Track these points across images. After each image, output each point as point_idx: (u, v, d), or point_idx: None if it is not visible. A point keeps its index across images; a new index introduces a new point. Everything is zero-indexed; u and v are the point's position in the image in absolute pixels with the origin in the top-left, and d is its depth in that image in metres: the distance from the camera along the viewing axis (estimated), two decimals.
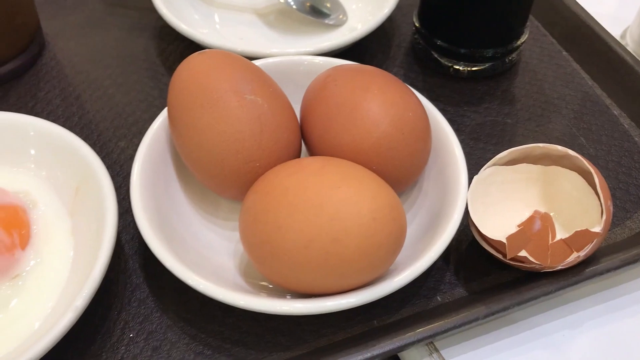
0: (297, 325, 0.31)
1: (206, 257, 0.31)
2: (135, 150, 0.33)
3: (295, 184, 0.27)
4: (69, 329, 0.27)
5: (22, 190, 0.33)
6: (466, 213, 0.31)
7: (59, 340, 0.27)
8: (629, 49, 0.44)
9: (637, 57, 0.41)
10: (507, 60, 0.42)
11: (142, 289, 0.32)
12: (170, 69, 0.43)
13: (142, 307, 0.31)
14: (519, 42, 0.41)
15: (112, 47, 0.44)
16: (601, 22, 0.43)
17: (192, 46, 0.43)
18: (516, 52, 0.42)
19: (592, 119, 0.40)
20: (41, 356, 0.26)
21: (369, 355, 0.29)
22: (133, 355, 0.30)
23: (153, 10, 0.44)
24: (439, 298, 0.32)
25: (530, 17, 0.42)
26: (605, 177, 0.35)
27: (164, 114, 0.34)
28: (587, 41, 0.43)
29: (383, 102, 0.31)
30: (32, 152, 0.33)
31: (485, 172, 0.32)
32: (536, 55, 0.44)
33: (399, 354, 0.31)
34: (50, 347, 0.26)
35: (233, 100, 0.30)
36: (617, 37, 0.44)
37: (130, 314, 0.31)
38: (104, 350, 0.30)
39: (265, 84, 0.32)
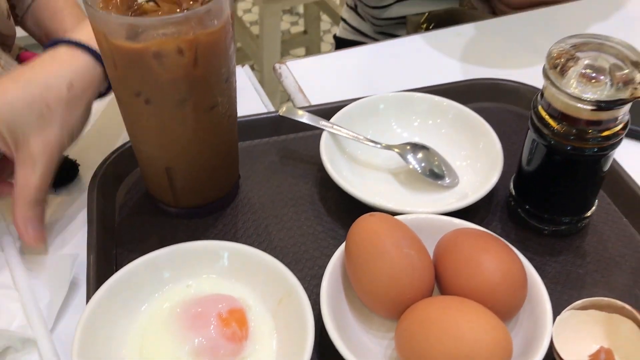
0: None
1: (365, 355, 0.46)
2: (306, 274, 0.51)
3: (443, 316, 0.42)
4: None
5: (240, 297, 0.49)
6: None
7: None
8: None
9: None
10: (579, 225, 0.56)
11: None
12: (329, 210, 0.59)
13: None
14: (589, 213, 0.56)
15: (286, 191, 0.61)
16: None
17: (344, 195, 0.59)
18: (587, 219, 0.56)
19: None
20: None
21: None
22: None
23: (314, 164, 0.61)
24: None
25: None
26: None
27: (339, 251, 0.50)
28: None
29: (497, 260, 0.46)
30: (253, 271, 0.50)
31: (565, 314, 0.46)
32: (602, 220, 0.58)
33: None
34: None
35: (395, 253, 0.46)
36: None
37: None
38: None
39: (414, 239, 0.47)
